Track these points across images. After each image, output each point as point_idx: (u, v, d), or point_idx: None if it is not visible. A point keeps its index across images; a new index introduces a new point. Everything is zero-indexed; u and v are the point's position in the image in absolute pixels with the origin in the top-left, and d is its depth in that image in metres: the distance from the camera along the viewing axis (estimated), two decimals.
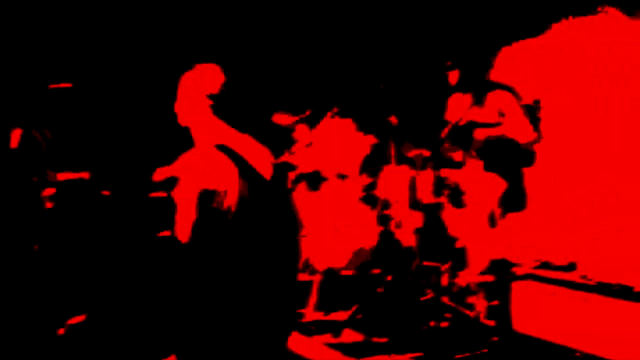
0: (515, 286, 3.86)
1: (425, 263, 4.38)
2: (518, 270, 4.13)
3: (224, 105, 2.39)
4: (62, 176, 2.49)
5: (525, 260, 4.32)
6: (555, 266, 4.19)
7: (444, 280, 4.29)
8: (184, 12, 5.21)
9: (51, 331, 2.83)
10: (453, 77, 4.79)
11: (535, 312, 3.72)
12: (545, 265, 4.24)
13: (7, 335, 2.82)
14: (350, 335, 3.98)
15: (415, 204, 4.42)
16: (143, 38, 5.07)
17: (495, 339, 3.85)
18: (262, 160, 2.35)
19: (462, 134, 4.41)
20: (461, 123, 4.48)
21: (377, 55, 5.91)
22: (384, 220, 4.44)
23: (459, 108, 4.78)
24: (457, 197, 4.35)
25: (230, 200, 2.18)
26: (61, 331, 2.83)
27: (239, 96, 2.40)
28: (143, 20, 5.09)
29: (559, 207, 4.82)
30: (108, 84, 4.84)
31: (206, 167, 2.21)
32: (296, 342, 3.85)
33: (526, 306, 3.77)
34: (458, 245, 4.31)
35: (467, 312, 4.07)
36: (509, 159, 4.61)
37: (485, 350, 3.74)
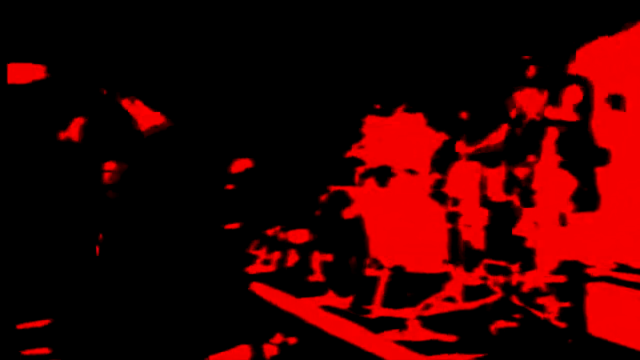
0: (591, 288, 3.79)
1: (494, 262, 4.33)
2: (592, 272, 4.04)
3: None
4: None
5: (600, 261, 4.23)
6: (634, 269, 4.08)
7: (513, 279, 4.23)
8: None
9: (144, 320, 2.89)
10: (529, 72, 4.72)
11: (612, 316, 3.64)
12: (623, 267, 4.13)
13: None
14: (417, 332, 3.96)
15: (485, 202, 4.36)
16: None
17: (568, 341, 3.78)
18: None
19: (536, 131, 4.33)
20: (536, 120, 4.40)
21: (450, 49, 5.86)
22: (452, 217, 4.40)
23: (533, 104, 4.70)
24: (527, 196, 4.28)
25: None
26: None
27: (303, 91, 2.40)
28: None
29: (636, 208, 4.69)
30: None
31: None
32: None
33: (603, 309, 3.69)
34: (527, 244, 4.24)
35: (537, 313, 4.00)
36: (583, 157, 4.51)
37: (557, 353, 3.68)
